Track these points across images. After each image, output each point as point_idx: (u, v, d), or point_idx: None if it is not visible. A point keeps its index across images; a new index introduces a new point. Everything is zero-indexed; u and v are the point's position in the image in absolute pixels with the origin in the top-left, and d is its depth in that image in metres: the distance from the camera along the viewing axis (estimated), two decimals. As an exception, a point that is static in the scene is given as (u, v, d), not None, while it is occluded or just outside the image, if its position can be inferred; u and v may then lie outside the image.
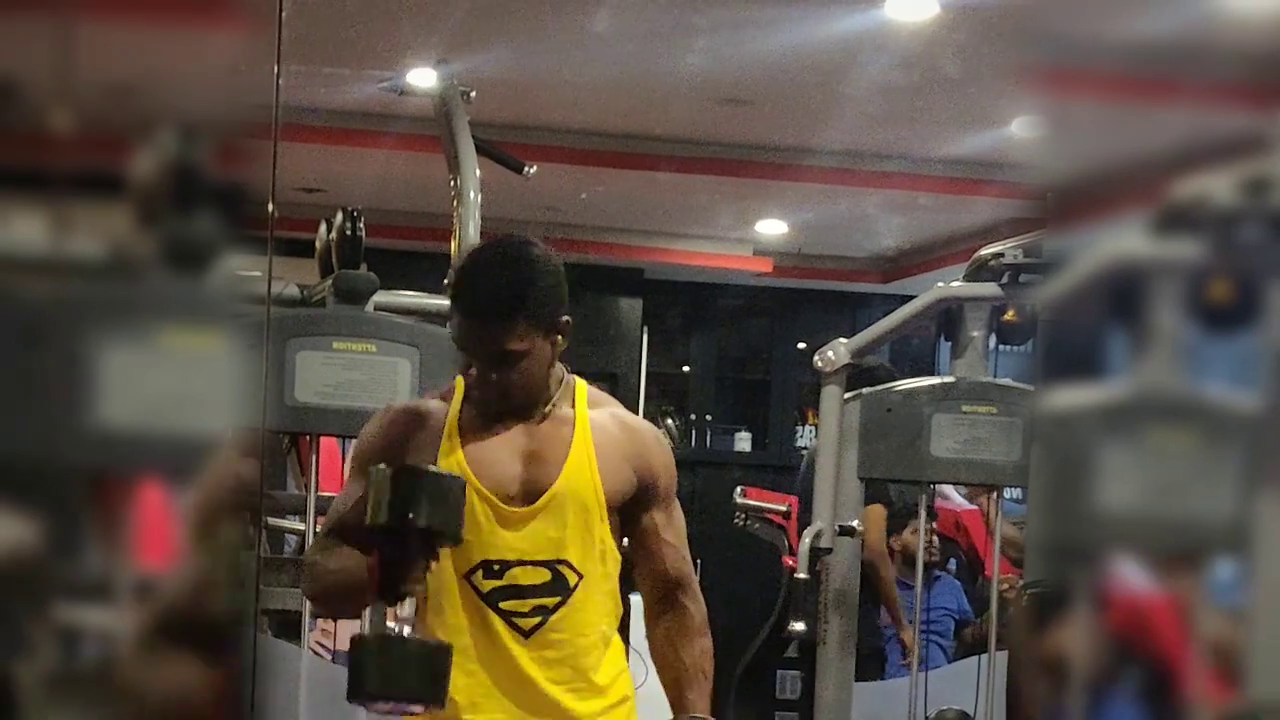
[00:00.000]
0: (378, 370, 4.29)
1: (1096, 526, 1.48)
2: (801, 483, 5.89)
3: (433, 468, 2.85)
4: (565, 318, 3.02)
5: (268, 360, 3.94)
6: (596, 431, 3.07)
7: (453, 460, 2.99)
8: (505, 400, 3.02)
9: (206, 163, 1.42)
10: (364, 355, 4.29)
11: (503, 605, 2.99)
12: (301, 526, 4.74)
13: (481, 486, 2.98)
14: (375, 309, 4.47)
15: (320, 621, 5.25)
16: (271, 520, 5.18)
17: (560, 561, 3.01)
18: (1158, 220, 1.51)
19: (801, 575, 5.04)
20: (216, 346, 1.39)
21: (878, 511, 5.78)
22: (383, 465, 2.70)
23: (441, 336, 4.41)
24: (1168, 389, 1.52)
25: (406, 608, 2.75)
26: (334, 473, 5.59)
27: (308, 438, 4.63)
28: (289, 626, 4.80)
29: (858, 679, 5.50)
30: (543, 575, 3.00)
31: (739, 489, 7.08)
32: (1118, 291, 1.51)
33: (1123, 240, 1.54)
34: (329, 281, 4.51)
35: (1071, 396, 1.53)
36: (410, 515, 2.63)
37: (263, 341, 3.79)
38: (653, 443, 3.16)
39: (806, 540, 5.05)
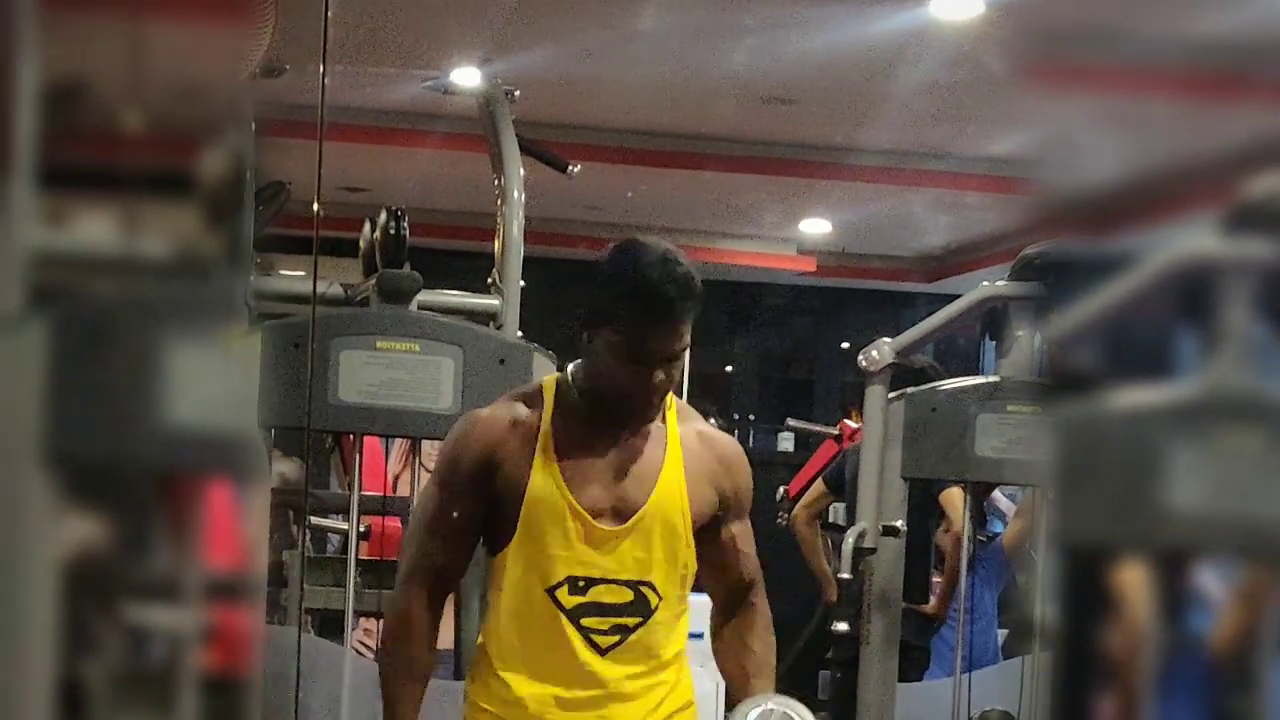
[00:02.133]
0: (421, 369, 4.28)
1: (1165, 526, 1.48)
2: (849, 483, 5.87)
3: None
4: None
5: (312, 359, 3.94)
6: (686, 452, 3.06)
7: (548, 474, 2.97)
8: (656, 406, 3.00)
9: (267, 162, 1.43)
10: (407, 354, 4.27)
11: (584, 622, 2.99)
12: (344, 525, 4.74)
13: (575, 502, 2.96)
14: (419, 308, 4.47)
15: (363, 621, 5.26)
16: (315, 519, 5.19)
17: (644, 583, 3.00)
18: (1229, 219, 1.51)
19: (845, 575, 5.03)
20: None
21: (959, 494, 5.73)
22: None
23: (484, 336, 4.41)
24: (1238, 389, 1.51)
25: None
26: (377, 472, 5.60)
27: (351, 437, 4.63)
28: (332, 625, 4.82)
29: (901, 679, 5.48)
30: (626, 595, 3.00)
31: (781, 488, 7.07)
32: (1188, 291, 1.50)
33: (1194, 239, 1.53)
34: (373, 281, 4.51)
35: (1139, 396, 1.52)
36: None
37: (308, 341, 3.82)
38: (735, 460, 3.16)
39: (850, 540, 5.04)
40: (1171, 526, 1.47)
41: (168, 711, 1.36)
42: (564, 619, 2.98)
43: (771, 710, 2.92)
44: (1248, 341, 1.48)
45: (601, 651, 2.99)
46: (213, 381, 1.36)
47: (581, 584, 2.98)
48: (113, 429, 1.32)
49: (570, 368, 3.07)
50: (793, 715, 2.90)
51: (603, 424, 3.01)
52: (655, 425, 3.06)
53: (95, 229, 1.39)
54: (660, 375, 2.94)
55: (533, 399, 3.04)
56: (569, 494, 2.96)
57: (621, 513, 3.00)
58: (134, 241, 1.35)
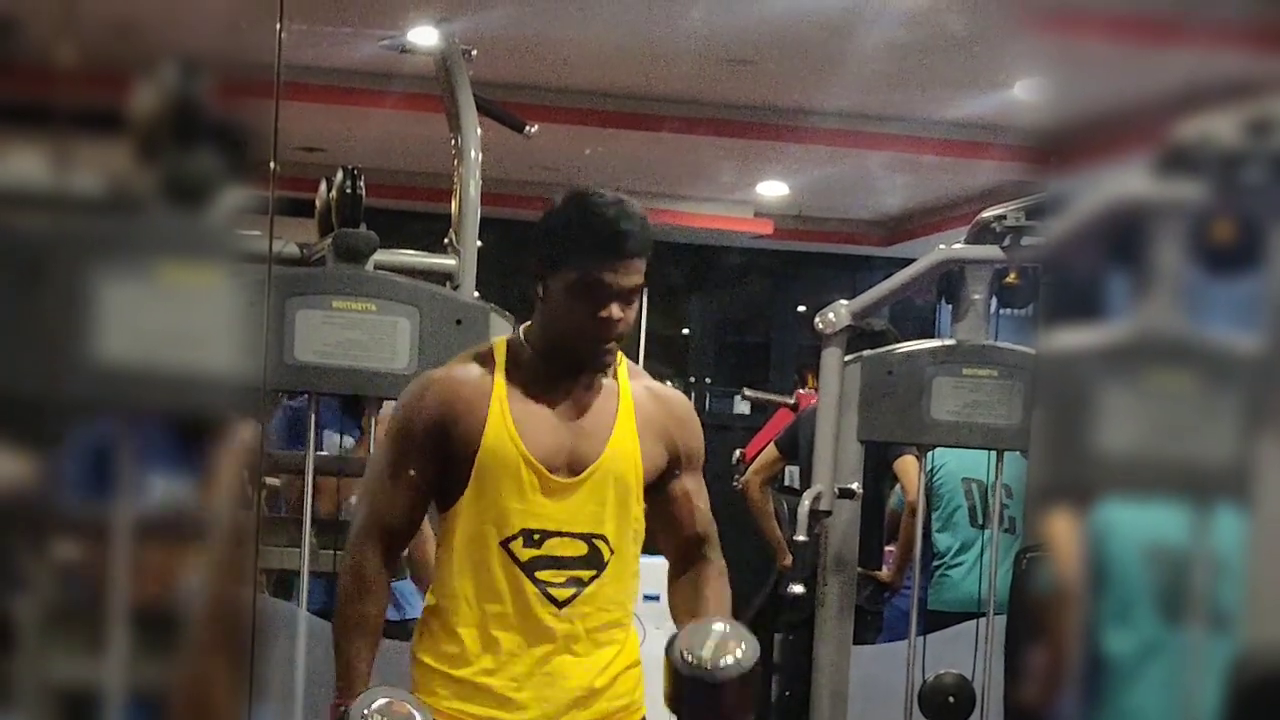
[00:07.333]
0: (377, 329, 4.27)
1: (1095, 468, 1.49)
2: (803, 447, 5.89)
3: None
4: None
5: (268, 319, 3.92)
6: (638, 407, 3.10)
7: (502, 427, 3.00)
8: (611, 351, 3.03)
9: (207, 98, 1.42)
10: (364, 314, 4.26)
11: (539, 575, 3.02)
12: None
13: (529, 454, 2.99)
14: (375, 268, 4.45)
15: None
16: (270, 480, 5.18)
17: (597, 536, 3.04)
18: (1161, 161, 1.51)
19: (800, 538, 5.05)
20: (216, 282, 1.40)
21: (913, 463, 5.77)
22: None
23: (441, 296, 4.40)
24: (1169, 330, 1.52)
25: None
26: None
27: (307, 397, 4.62)
28: (286, 585, 4.81)
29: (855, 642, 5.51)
30: (579, 548, 3.03)
31: (737, 451, 7.10)
32: (1120, 232, 1.51)
33: (1126, 181, 1.54)
34: (329, 240, 4.50)
35: (1072, 337, 1.53)
36: None
37: (263, 300, 3.80)
38: (686, 414, 3.21)
39: (805, 503, 5.06)
40: (1102, 469, 1.48)
41: (99, 647, 1.36)
42: (519, 571, 3.01)
43: (715, 628, 2.91)
44: (1179, 283, 1.49)
45: (558, 605, 3.01)
46: (146, 317, 1.35)
47: (536, 536, 3.01)
48: (42, 365, 1.32)
49: (522, 329, 3.11)
50: (738, 636, 2.87)
51: (556, 378, 3.04)
52: (608, 381, 3.08)
53: (26, 164, 1.39)
54: (616, 312, 2.96)
55: (485, 358, 3.08)
56: (522, 446, 2.99)
57: (575, 466, 3.03)
58: (65, 177, 1.34)
